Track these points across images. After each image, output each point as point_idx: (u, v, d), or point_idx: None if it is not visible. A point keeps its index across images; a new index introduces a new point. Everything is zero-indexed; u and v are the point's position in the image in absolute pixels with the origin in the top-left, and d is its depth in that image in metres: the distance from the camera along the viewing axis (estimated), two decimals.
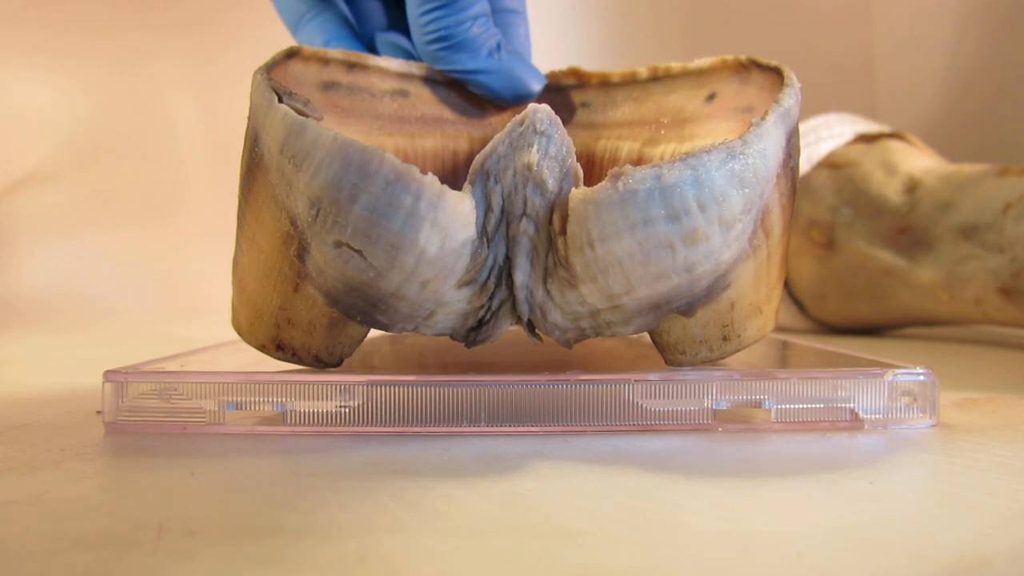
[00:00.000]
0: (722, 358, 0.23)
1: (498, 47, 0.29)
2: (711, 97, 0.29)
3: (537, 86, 0.30)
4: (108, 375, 0.22)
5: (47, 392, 0.30)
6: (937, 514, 0.16)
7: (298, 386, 0.22)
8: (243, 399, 0.22)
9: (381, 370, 0.24)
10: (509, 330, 0.22)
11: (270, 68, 0.24)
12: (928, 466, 0.19)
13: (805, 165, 0.51)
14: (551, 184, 0.20)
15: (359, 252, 0.19)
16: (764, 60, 0.26)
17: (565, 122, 0.31)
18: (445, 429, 0.22)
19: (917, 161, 0.49)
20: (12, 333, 0.56)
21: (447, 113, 0.31)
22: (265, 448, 0.21)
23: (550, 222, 0.20)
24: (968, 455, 0.20)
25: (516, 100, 0.30)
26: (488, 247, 0.20)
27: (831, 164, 0.50)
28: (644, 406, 0.22)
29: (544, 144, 0.20)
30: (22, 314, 0.63)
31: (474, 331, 0.22)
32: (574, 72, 0.32)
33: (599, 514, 0.16)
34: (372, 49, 0.32)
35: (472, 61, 0.29)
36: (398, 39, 0.32)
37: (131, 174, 0.69)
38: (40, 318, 0.62)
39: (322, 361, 0.23)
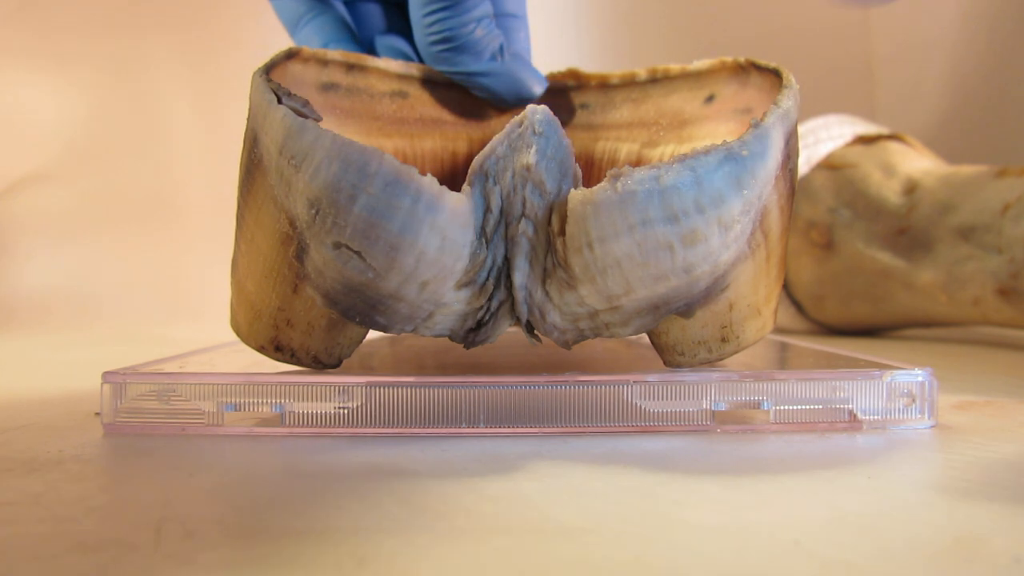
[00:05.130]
0: (721, 359, 0.23)
1: (500, 50, 0.29)
2: (710, 99, 0.29)
3: (538, 88, 0.30)
4: (107, 376, 0.22)
5: (46, 393, 0.30)
6: (934, 503, 0.16)
7: (297, 387, 0.22)
8: (242, 400, 0.22)
9: (380, 371, 0.24)
10: (508, 331, 0.22)
11: (269, 69, 0.24)
12: (926, 463, 0.19)
13: (804, 166, 0.51)
14: (550, 185, 0.20)
15: (358, 253, 0.19)
16: (763, 62, 0.26)
17: (564, 123, 0.31)
18: (444, 430, 0.22)
19: (916, 162, 0.49)
20: (11, 335, 0.56)
21: (446, 114, 0.31)
22: (264, 449, 0.21)
23: (549, 223, 0.20)
24: (967, 453, 0.20)
25: (517, 102, 0.30)
26: (487, 248, 0.20)
27: (830, 165, 0.50)
28: (643, 407, 0.22)
29: (543, 145, 0.20)
30: (21, 316, 0.63)
31: (473, 332, 0.22)
32: (573, 74, 0.32)
33: (597, 512, 0.16)
34: (371, 52, 0.32)
35: (475, 63, 0.29)
36: (397, 42, 0.32)
37: (129, 176, 0.69)
38: (39, 320, 0.62)
39: (321, 362, 0.23)
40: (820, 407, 0.22)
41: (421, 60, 0.31)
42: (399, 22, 0.33)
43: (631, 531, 0.15)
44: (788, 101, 0.21)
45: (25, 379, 0.35)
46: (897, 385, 0.22)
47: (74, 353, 0.46)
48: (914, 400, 0.22)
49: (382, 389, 0.22)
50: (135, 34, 0.68)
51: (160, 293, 0.67)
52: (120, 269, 0.67)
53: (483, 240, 0.20)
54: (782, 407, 0.22)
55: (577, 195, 0.19)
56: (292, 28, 0.32)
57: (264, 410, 0.22)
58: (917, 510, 0.16)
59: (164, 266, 0.69)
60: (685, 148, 0.28)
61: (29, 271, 0.66)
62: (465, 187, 0.20)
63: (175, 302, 0.67)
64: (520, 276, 0.21)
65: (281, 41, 0.32)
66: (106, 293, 0.66)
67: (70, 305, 0.64)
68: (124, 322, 0.62)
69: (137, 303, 0.66)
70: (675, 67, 0.30)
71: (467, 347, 0.22)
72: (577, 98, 0.32)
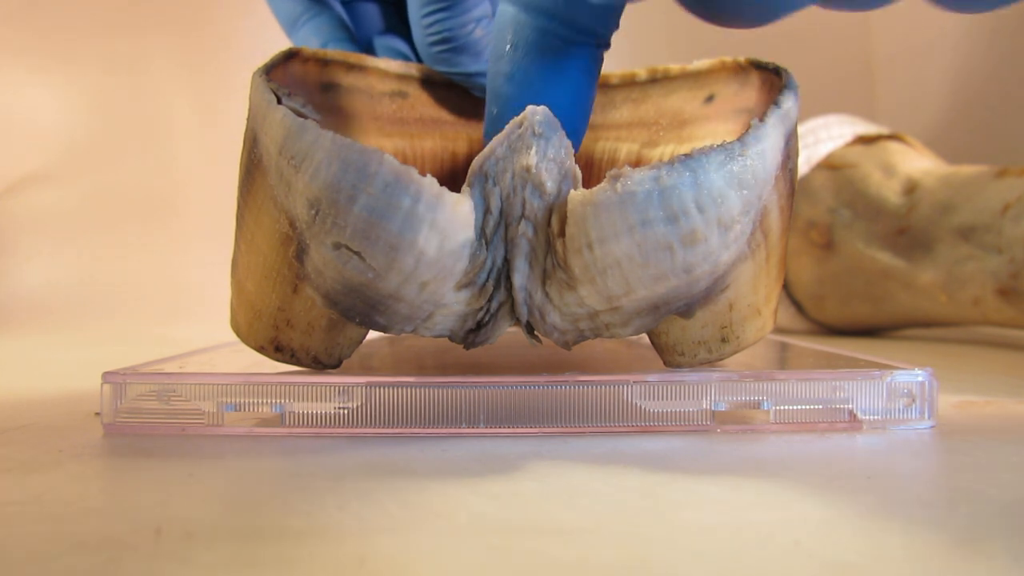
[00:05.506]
0: (721, 359, 0.23)
1: None
2: (710, 99, 0.29)
3: None
4: (107, 376, 0.22)
5: (45, 394, 0.30)
6: (935, 503, 0.16)
7: (297, 387, 0.22)
8: (242, 400, 0.22)
9: (380, 371, 0.24)
10: (508, 332, 0.22)
11: (269, 69, 0.24)
12: (926, 463, 0.19)
13: (804, 166, 0.51)
14: (550, 186, 0.20)
15: (358, 253, 0.19)
16: (763, 61, 0.26)
17: None
18: (444, 430, 0.22)
19: (916, 162, 0.49)
20: (10, 334, 0.56)
21: (446, 115, 0.31)
22: (264, 449, 0.21)
23: (549, 224, 0.20)
24: (967, 453, 0.20)
25: None
26: (487, 249, 0.20)
27: (830, 165, 0.50)
28: (642, 407, 0.22)
29: (542, 146, 0.20)
30: (20, 316, 0.63)
31: (473, 333, 0.22)
32: None
33: (597, 511, 0.16)
34: (369, 52, 0.32)
35: (474, 64, 0.29)
36: (396, 43, 0.32)
37: (129, 176, 0.69)
38: (38, 319, 0.62)
39: (321, 362, 0.23)
40: (820, 407, 0.22)
41: (420, 60, 0.31)
42: (397, 22, 0.33)
43: (631, 531, 0.15)
44: (788, 101, 0.21)
45: (25, 379, 0.35)
46: (897, 385, 0.22)
47: (74, 353, 0.46)
48: (914, 400, 0.22)
49: (382, 389, 0.22)
50: (135, 34, 0.68)
51: (160, 293, 0.67)
52: (120, 269, 0.67)
53: (483, 241, 0.20)
54: (782, 407, 0.22)
55: (577, 196, 0.19)
56: (290, 29, 0.32)
57: (264, 410, 0.22)
58: (917, 510, 0.16)
59: (164, 266, 0.69)
60: (685, 148, 0.28)
61: (29, 271, 0.66)
62: (465, 188, 0.20)
63: (175, 302, 0.67)
64: (520, 277, 0.21)
65: (280, 41, 0.32)
66: (106, 293, 0.66)
67: (70, 305, 0.64)
68: (124, 322, 0.62)
69: (137, 303, 0.66)
70: (675, 67, 0.30)
71: (467, 348, 0.22)
72: None
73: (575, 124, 0.22)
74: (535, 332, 0.22)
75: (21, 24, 0.66)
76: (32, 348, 0.49)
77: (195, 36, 0.69)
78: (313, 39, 0.31)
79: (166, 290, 0.68)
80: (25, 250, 0.67)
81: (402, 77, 0.30)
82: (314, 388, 0.22)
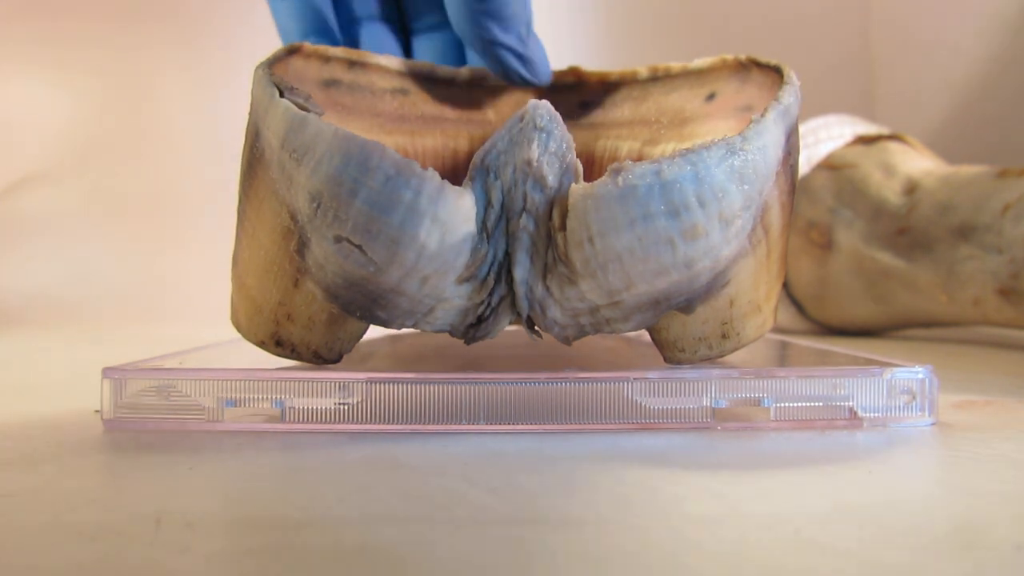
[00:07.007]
0: (721, 356, 0.23)
1: (528, 29, 0.29)
2: (711, 96, 0.29)
3: (545, 77, 0.30)
4: (107, 372, 0.22)
5: (46, 391, 0.30)
6: (934, 495, 0.16)
7: (297, 383, 0.22)
8: (242, 396, 0.22)
9: (380, 367, 0.24)
10: (508, 328, 0.22)
11: (271, 64, 0.24)
12: (926, 458, 0.19)
13: (804, 166, 0.51)
14: (551, 180, 0.20)
15: (359, 247, 0.19)
16: (764, 59, 0.26)
17: (565, 121, 0.31)
18: (444, 427, 0.22)
19: (916, 162, 0.49)
20: (11, 332, 0.56)
21: (447, 112, 0.31)
22: (263, 445, 0.21)
23: (550, 218, 0.20)
24: (967, 449, 0.20)
25: (523, 84, 0.30)
26: (488, 243, 0.20)
27: (830, 165, 0.50)
28: (643, 404, 0.22)
29: (544, 140, 0.20)
30: (20, 314, 0.63)
31: (473, 327, 0.22)
32: (574, 72, 0.32)
33: (598, 504, 0.16)
34: (353, 35, 0.32)
35: (503, 34, 0.28)
36: (382, 31, 0.32)
37: (130, 174, 0.69)
38: (39, 318, 0.62)
39: (321, 357, 0.23)
40: (820, 404, 0.22)
41: (405, 55, 0.31)
42: (391, 10, 0.33)
43: (632, 522, 0.15)
44: (789, 97, 0.21)
45: (25, 377, 0.35)
46: (897, 382, 0.22)
47: (74, 352, 0.46)
48: (914, 397, 0.22)
49: (382, 385, 0.22)
50: (136, 32, 0.68)
51: (160, 292, 0.67)
52: (120, 267, 0.67)
53: (484, 235, 0.20)
54: (783, 404, 0.22)
55: (578, 189, 0.19)
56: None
57: (264, 406, 0.22)
58: (917, 501, 0.16)
59: (164, 265, 0.69)
60: (686, 146, 0.28)
61: (30, 269, 0.66)
62: (466, 181, 0.20)
63: (175, 301, 0.67)
64: (521, 271, 0.21)
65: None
66: (106, 292, 0.66)
67: (70, 304, 0.64)
68: (124, 321, 0.62)
69: (137, 302, 0.66)
70: (676, 65, 0.30)
71: (468, 342, 0.22)
72: (578, 96, 0.32)
73: None
74: (535, 327, 0.22)
75: (22, 24, 0.66)
76: (32, 347, 0.49)
77: (195, 34, 0.69)
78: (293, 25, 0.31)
79: (166, 289, 0.68)
80: (25, 250, 0.67)
81: (403, 74, 0.30)
82: (314, 384, 0.22)
